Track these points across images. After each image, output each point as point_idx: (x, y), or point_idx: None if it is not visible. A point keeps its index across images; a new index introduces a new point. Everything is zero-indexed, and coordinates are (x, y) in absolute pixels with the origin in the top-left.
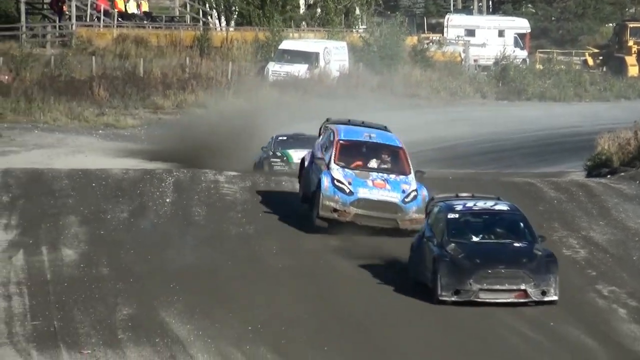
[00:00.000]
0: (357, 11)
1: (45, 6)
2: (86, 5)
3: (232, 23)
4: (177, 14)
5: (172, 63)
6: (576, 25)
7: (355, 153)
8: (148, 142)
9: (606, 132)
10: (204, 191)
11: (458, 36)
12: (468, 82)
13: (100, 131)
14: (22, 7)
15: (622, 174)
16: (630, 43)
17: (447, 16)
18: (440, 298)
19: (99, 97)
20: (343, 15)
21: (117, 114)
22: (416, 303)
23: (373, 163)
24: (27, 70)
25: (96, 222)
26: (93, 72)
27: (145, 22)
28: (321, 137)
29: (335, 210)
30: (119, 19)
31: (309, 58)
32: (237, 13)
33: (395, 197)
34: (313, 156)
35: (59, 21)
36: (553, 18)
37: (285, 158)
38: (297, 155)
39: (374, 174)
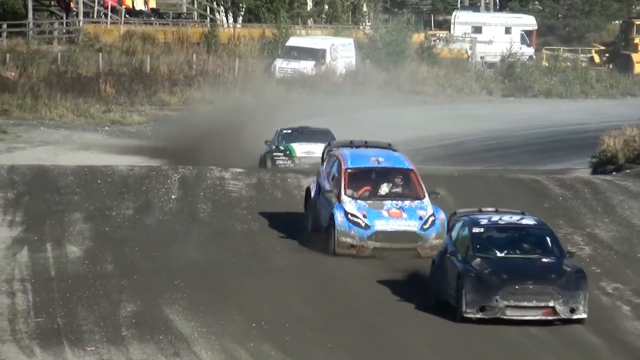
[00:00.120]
0: (365, 8)
1: (52, 3)
2: (93, 1)
3: (239, 20)
4: (185, 10)
5: (178, 60)
6: (583, 22)
7: (364, 180)
8: (153, 138)
9: (612, 129)
10: (209, 188)
11: (465, 33)
12: (474, 79)
13: (106, 128)
14: (30, 4)
15: (628, 171)
16: (637, 40)
17: (454, 13)
18: (465, 315)
19: (106, 94)
20: (350, 12)
21: (123, 111)
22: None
23: (384, 189)
24: (34, 67)
25: (101, 218)
26: (100, 68)
27: (152, 18)
28: (325, 164)
29: (352, 246)
30: (126, 15)
31: (315, 55)
32: (244, 10)
33: (413, 225)
34: (320, 187)
35: (66, 18)
36: (560, 15)
37: (288, 152)
38: (300, 148)
39: (388, 203)
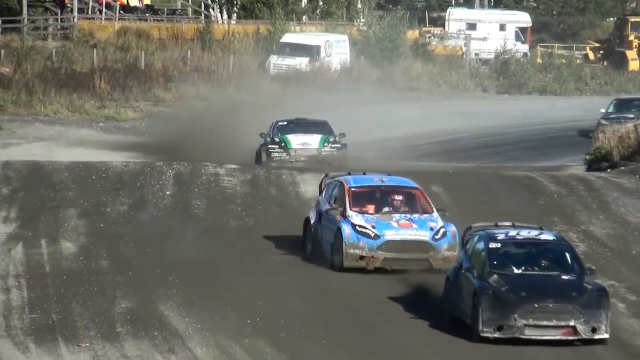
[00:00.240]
0: (359, 4)
1: None
2: None
3: (234, 16)
4: (179, 6)
5: (173, 56)
6: (577, 19)
7: (369, 199)
8: (147, 134)
9: (607, 126)
10: (204, 184)
11: (459, 30)
12: (469, 75)
13: (100, 124)
14: (24, 0)
15: (622, 168)
16: (631, 37)
17: (448, 10)
18: (482, 334)
19: (100, 90)
20: (344, 9)
21: (117, 107)
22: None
23: (391, 206)
24: (29, 63)
25: (96, 214)
26: (94, 64)
27: (147, 14)
28: (324, 192)
29: (361, 257)
30: (121, 11)
31: (310, 51)
32: (239, 6)
33: (424, 235)
34: (320, 213)
35: (61, 14)
36: (554, 12)
37: (283, 144)
38: (296, 140)
39: (397, 215)
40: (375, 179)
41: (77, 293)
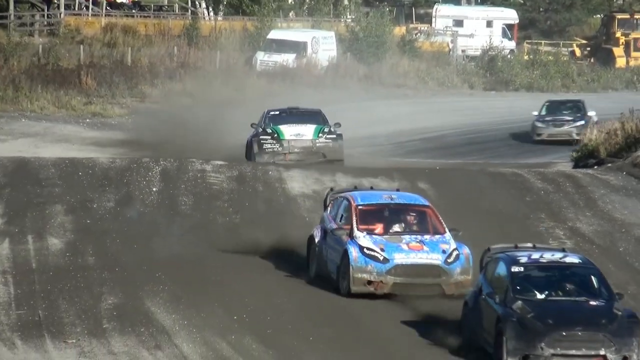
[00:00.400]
0: (345, 1)
1: None
2: None
3: (221, 12)
4: (166, 3)
5: (160, 52)
6: (564, 16)
7: (378, 218)
8: (134, 131)
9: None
10: (190, 180)
11: (446, 26)
12: (456, 72)
13: (87, 120)
14: None
15: (609, 165)
16: (618, 34)
17: (435, 6)
18: None
19: (87, 86)
20: (331, 5)
21: (104, 103)
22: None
23: (400, 226)
24: (15, 59)
25: (82, 211)
26: (81, 60)
27: (133, 11)
28: (329, 209)
29: (369, 282)
30: (107, 7)
31: (297, 47)
32: (225, 2)
33: (436, 258)
34: (325, 231)
35: (47, 10)
36: (541, 9)
37: (276, 135)
38: (289, 131)
39: (407, 237)
40: (384, 196)
41: (64, 289)
